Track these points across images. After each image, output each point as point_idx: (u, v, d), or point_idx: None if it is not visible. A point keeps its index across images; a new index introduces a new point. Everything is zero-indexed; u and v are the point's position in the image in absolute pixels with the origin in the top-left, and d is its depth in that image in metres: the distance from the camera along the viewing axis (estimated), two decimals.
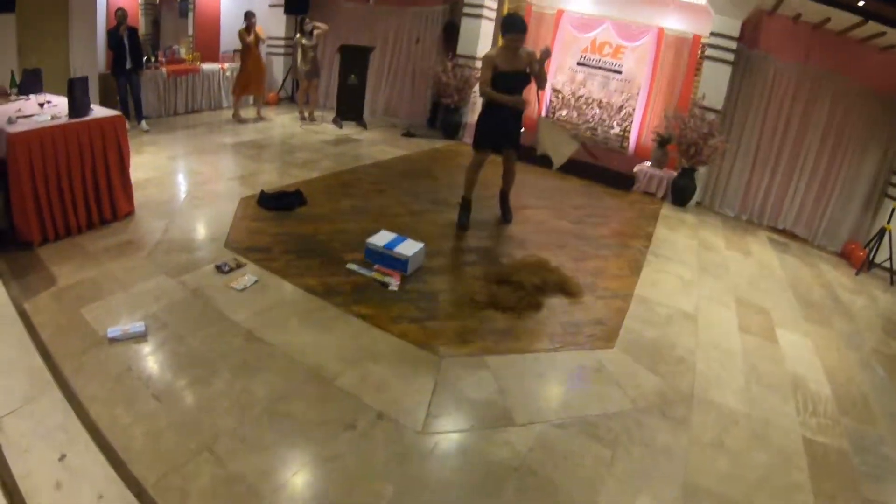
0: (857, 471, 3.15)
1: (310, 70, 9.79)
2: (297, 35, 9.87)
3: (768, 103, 8.21)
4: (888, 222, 7.00)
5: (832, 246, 7.88)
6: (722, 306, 4.98)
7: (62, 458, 2.32)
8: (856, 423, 3.63)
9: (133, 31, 8.29)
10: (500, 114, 5.58)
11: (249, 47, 9.62)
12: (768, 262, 6.56)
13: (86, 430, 2.50)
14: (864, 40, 7.39)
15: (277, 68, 12.16)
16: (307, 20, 9.86)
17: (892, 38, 6.93)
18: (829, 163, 7.91)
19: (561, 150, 5.86)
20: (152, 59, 9.49)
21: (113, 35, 8.09)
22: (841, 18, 6.97)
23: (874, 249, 7.07)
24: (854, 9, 6.50)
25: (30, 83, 5.86)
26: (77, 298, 3.67)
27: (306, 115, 10.26)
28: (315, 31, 9.66)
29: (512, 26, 5.43)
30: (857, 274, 6.92)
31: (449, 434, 2.90)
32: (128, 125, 5.17)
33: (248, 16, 9.61)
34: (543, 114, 5.89)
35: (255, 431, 2.73)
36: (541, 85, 5.71)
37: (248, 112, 10.07)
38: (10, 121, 4.45)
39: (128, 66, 8.19)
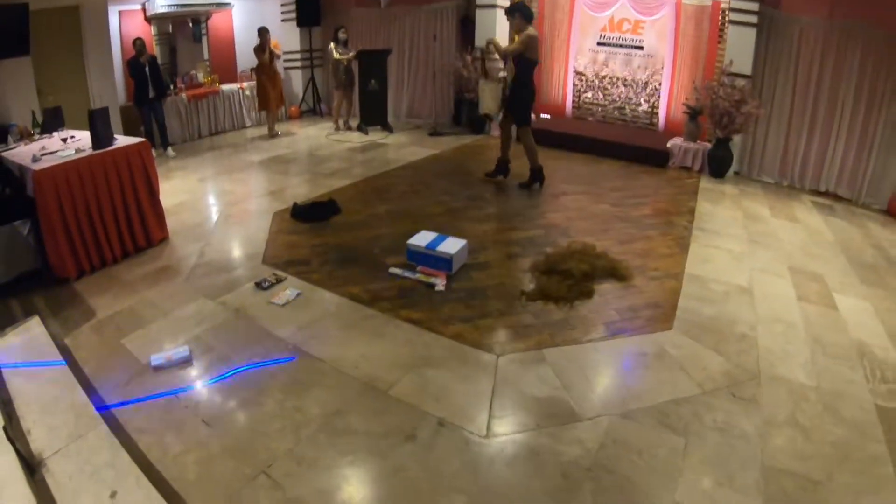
0: None
1: (346, 80, 9.84)
2: (331, 45, 9.87)
3: (797, 63, 7.96)
4: None
5: (878, 203, 7.61)
6: (777, 277, 4.84)
7: (113, 495, 2.32)
8: None
9: (153, 60, 8.45)
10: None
11: (265, 64, 9.68)
12: (816, 227, 6.38)
13: (136, 464, 2.50)
14: None
15: (296, 82, 12.18)
16: (342, 30, 9.90)
17: None
18: (865, 117, 7.62)
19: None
20: (172, 87, 9.60)
21: (134, 65, 8.22)
22: None
23: None
24: None
25: (51, 121, 5.98)
26: (117, 329, 3.72)
27: (341, 124, 10.31)
28: (348, 50, 9.77)
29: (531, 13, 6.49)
30: None
31: (514, 436, 2.86)
32: (154, 153, 5.23)
33: (262, 32, 9.68)
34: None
35: (311, 451, 2.72)
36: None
37: (277, 127, 10.17)
38: (35, 159, 4.52)
39: (150, 94, 8.28)
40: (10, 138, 5.70)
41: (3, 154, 4.97)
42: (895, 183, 7.49)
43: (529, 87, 6.75)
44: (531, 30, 6.46)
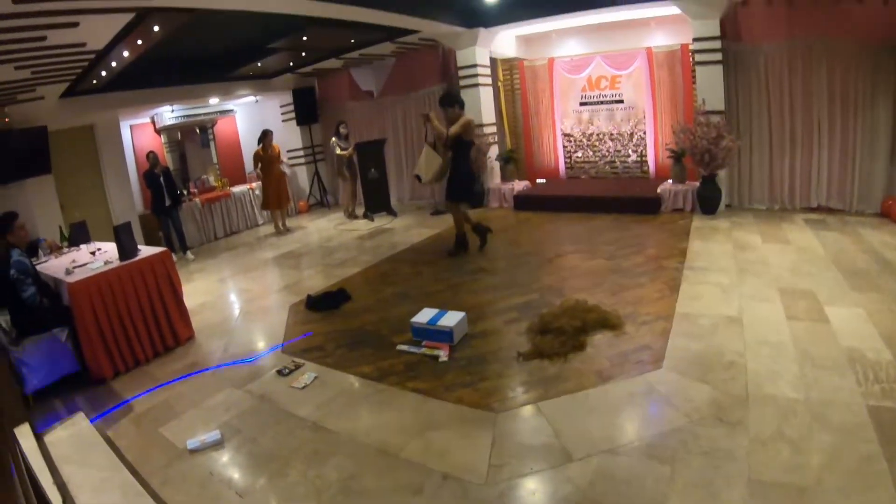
0: None
1: (349, 172, 10.40)
2: (333, 140, 10.45)
3: (768, 89, 8.29)
4: None
5: (870, 208, 7.76)
6: (765, 301, 4.99)
7: None
8: None
9: (167, 171, 8.99)
10: None
11: (270, 164, 10.23)
12: (808, 245, 6.53)
13: None
14: None
15: (303, 177, 12.80)
16: (343, 124, 10.47)
17: None
18: (843, 126, 7.87)
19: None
20: (186, 193, 10.17)
21: (149, 177, 8.75)
22: None
23: None
24: None
25: (78, 235, 6.53)
26: (154, 420, 4.09)
27: (351, 211, 10.83)
28: (348, 143, 10.37)
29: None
30: None
31: (511, 481, 3.03)
32: (174, 257, 5.67)
33: (264, 135, 10.30)
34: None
35: None
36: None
37: (287, 223, 10.66)
38: (68, 272, 5.04)
39: (167, 203, 8.82)
40: (40, 252, 6.22)
41: (38, 267, 5.42)
42: (884, 186, 7.64)
43: (466, 167, 7.33)
44: (467, 115, 7.00)
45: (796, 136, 8.20)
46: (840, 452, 2.96)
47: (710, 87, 8.35)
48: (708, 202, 8.34)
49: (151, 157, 8.88)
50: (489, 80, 10.75)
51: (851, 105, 7.74)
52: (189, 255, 9.21)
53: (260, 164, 10.30)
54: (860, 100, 7.66)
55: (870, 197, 7.77)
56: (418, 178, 7.52)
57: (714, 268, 5.97)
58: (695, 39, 8.41)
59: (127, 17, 5.56)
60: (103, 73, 7.96)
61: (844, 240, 6.62)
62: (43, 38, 5.37)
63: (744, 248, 6.56)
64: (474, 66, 10.30)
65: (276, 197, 10.52)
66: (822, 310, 4.72)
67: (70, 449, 3.61)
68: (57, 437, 3.78)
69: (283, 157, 11.06)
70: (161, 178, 8.79)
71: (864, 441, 3.03)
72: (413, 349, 4.71)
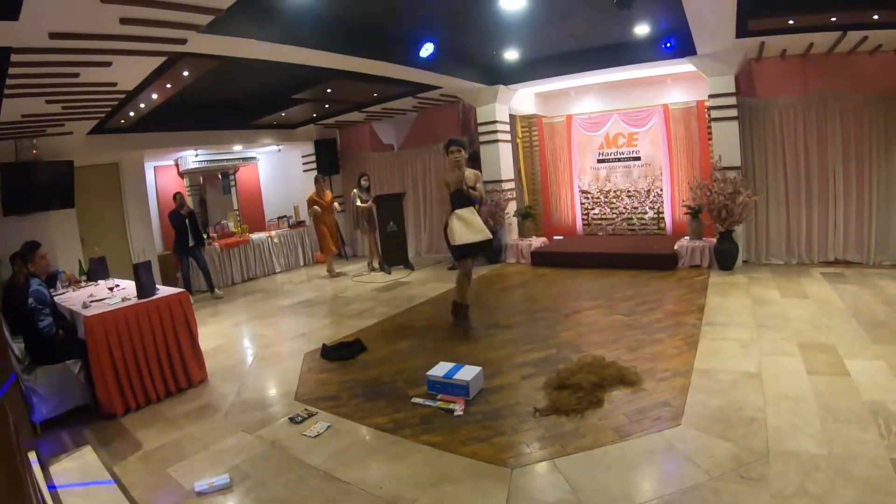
0: None
1: (369, 225, 10.56)
2: (355, 191, 10.63)
3: (783, 143, 8.40)
4: None
5: (889, 260, 7.77)
6: (785, 356, 4.95)
7: None
8: None
9: (192, 213, 9.22)
10: None
11: (324, 208, 10.49)
12: (826, 298, 6.50)
13: None
14: (852, 51, 7.66)
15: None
16: (365, 177, 10.66)
17: (875, 40, 7.19)
18: (858, 179, 7.95)
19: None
20: (207, 236, 10.42)
21: (176, 217, 8.97)
22: (823, 39, 7.28)
23: None
24: (829, 26, 6.81)
25: (97, 270, 6.66)
26: (163, 460, 4.07)
27: (374, 264, 10.97)
28: (369, 196, 10.56)
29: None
30: None
31: None
32: (191, 298, 5.79)
33: (317, 180, 10.70)
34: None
35: None
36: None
37: (304, 271, 10.62)
38: (85, 305, 5.14)
39: (190, 244, 9.06)
40: (58, 284, 6.33)
41: (56, 298, 5.51)
42: None
43: None
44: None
45: (812, 190, 8.26)
46: None
47: (726, 142, 8.46)
48: (725, 258, 8.32)
49: (178, 197, 9.14)
50: (508, 137, 10.97)
51: (866, 157, 7.82)
52: (218, 291, 9.36)
53: (316, 207, 10.49)
54: (874, 151, 7.75)
55: (888, 248, 7.76)
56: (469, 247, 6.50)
57: (732, 323, 5.94)
58: (710, 96, 8.58)
59: (159, 61, 5.82)
60: (131, 114, 8.32)
61: (863, 292, 6.58)
62: (76, 75, 5.66)
63: (762, 303, 6.52)
64: (494, 122, 10.55)
65: (331, 241, 10.76)
66: (842, 363, 4.67)
67: (75, 480, 3.65)
68: (63, 468, 3.85)
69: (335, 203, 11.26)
70: (186, 220, 8.97)
71: (888, 494, 2.96)
72: (428, 402, 4.68)
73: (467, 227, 6.31)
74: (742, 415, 3.99)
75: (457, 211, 6.35)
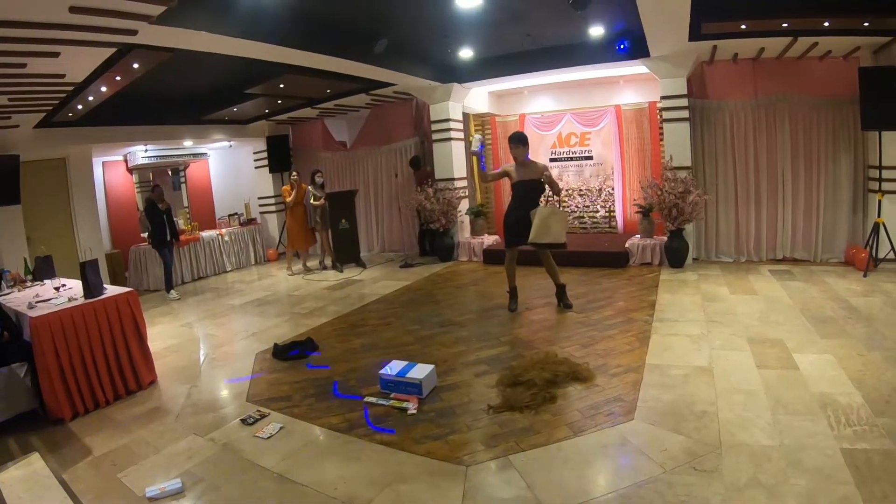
0: None
1: (322, 222, 10.43)
2: (309, 188, 10.44)
3: (733, 144, 8.57)
4: (878, 215, 7.20)
5: (835, 257, 8.02)
6: (735, 351, 5.01)
7: None
8: (894, 419, 3.63)
9: (170, 208, 9.06)
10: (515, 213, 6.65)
11: (297, 204, 10.35)
12: (775, 295, 6.64)
13: None
14: (802, 56, 7.86)
15: (272, 225, 12.79)
16: (318, 173, 10.50)
17: (825, 46, 7.41)
18: (806, 179, 8.17)
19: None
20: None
21: (155, 212, 8.76)
22: (774, 44, 7.44)
23: (874, 246, 7.20)
24: (780, 31, 6.96)
25: (43, 269, 6.38)
26: (113, 465, 3.89)
27: (328, 263, 10.83)
28: (323, 192, 10.37)
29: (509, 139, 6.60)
30: (865, 276, 7.05)
31: None
32: (140, 298, 5.58)
33: (290, 176, 10.50)
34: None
35: None
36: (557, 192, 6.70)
37: (256, 270, 10.41)
38: (31, 306, 4.90)
39: (168, 238, 8.92)
40: (3, 284, 6.04)
41: (0, 299, 5.28)
42: (847, 234, 7.89)
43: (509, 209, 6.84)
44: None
45: (761, 190, 8.44)
46: (816, 495, 2.92)
47: (678, 143, 8.57)
48: (676, 255, 8.44)
49: (158, 191, 8.87)
50: (461, 135, 10.94)
51: (814, 158, 8.03)
52: (174, 293, 9.08)
53: (292, 199, 10.35)
54: (822, 153, 7.96)
55: (834, 246, 7.99)
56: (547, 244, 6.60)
57: (683, 319, 6.00)
58: (662, 97, 8.69)
59: (109, 52, 5.62)
60: (79, 107, 8.02)
61: (811, 289, 6.74)
62: (23, 66, 5.44)
63: (712, 300, 6.62)
64: (447, 120, 10.50)
65: (303, 237, 10.68)
66: (791, 357, 4.76)
67: (23, 490, 3.44)
68: (10, 476, 3.62)
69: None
70: (164, 216, 8.81)
71: (839, 483, 3.00)
72: (382, 401, 4.58)
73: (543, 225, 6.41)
74: (694, 409, 4.01)
75: (540, 209, 6.51)
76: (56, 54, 5.24)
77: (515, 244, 6.70)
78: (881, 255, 7.25)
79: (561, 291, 6.90)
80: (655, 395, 4.28)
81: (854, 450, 3.30)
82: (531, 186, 6.51)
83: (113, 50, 5.57)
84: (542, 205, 6.60)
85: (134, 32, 5.07)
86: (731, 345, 5.18)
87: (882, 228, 7.17)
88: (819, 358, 4.70)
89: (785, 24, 6.86)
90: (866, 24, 6.75)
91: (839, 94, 7.82)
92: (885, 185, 7.36)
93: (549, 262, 6.79)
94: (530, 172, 6.50)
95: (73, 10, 4.32)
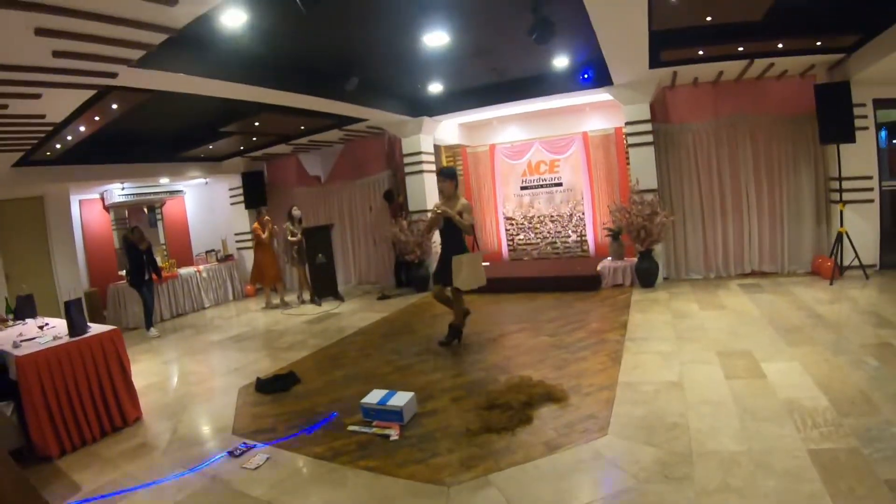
0: (871, 459, 3.26)
1: (298, 258, 10.48)
2: (287, 224, 10.52)
3: (697, 164, 8.84)
4: (841, 225, 7.48)
5: (802, 268, 8.27)
6: (704, 364, 5.18)
7: None
8: (859, 418, 3.78)
9: (150, 247, 9.05)
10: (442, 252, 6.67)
11: (263, 241, 10.51)
12: (743, 308, 6.85)
13: None
14: (760, 77, 8.19)
15: (249, 261, 12.73)
16: (295, 207, 10.63)
17: (781, 66, 7.74)
18: (770, 195, 8.46)
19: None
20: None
21: (134, 251, 8.75)
22: (732, 67, 7.76)
23: (839, 255, 7.46)
24: (737, 55, 7.29)
25: (24, 308, 6.34)
26: (103, 501, 3.92)
27: (306, 297, 10.84)
28: (299, 228, 10.47)
29: (439, 173, 6.60)
30: (831, 284, 7.31)
31: None
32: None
33: (260, 213, 10.67)
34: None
35: None
36: (465, 231, 6.51)
37: (234, 306, 10.41)
38: (15, 345, 4.90)
39: (146, 277, 8.88)
40: None
41: None
42: (813, 245, 8.15)
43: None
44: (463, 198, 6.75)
45: (727, 207, 8.71)
46: (785, 495, 3.05)
47: (643, 166, 8.83)
48: (646, 276, 8.63)
49: (137, 232, 8.88)
50: (433, 167, 11.10)
51: (776, 173, 8.32)
52: (154, 331, 9.08)
53: (265, 236, 10.50)
54: (783, 167, 8.26)
55: (800, 257, 8.27)
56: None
57: (654, 337, 6.17)
58: (627, 123, 8.98)
59: (89, 94, 5.74)
60: (58, 146, 8.09)
61: (778, 300, 6.97)
62: (5, 107, 5.55)
63: (682, 317, 6.80)
64: (419, 153, 10.70)
65: (273, 272, 10.75)
66: (759, 367, 4.93)
67: None
68: None
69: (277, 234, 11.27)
70: (144, 256, 8.83)
71: (807, 482, 3.14)
72: (364, 429, 4.67)
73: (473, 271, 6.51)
74: (665, 421, 4.14)
75: (463, 256, 6.47)
76: (38, 96, 5.35)
77: (440, 283, 6.68)
78: (846, 263, 7.53)
79: (455, 330, 6.82)
80: (628, 410, 4.41)
81: (820, 450, 3.44)
82: (452, 223, 6.44)
83: (93, 91, 5.69)
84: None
85: (114, 75, 5.20)
86: (700, 359, 5.34)
87: (845, 237, 7.44)
88: (786, 365, 4.88)
89: (740, 48, 7.18)
90: (819, 42, 7.11)
91: (798, 110, 8.15)
92: (846, 196, 7.65)
93: (459, 300, 6.73)
94: (452, 208, 6.43)
95: (57, 54, 4.44)
